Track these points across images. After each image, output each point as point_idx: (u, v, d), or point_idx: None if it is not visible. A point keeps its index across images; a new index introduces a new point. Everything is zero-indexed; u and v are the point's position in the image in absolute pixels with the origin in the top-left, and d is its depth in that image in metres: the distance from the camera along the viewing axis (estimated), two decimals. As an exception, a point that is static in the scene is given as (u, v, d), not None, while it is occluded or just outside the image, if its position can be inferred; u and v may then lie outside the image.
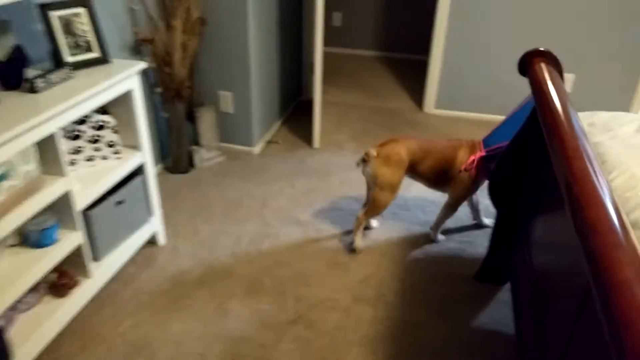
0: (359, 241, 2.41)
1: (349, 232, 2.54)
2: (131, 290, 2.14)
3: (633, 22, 3.31)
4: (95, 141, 1.97)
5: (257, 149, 3.29)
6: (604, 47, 3.44)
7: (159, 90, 2.75)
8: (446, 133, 3.62)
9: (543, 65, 1.70)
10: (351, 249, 2.41)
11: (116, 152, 2.04)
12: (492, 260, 2.18)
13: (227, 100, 3.13)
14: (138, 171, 2.16)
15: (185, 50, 2.69)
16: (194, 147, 3.08)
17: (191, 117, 3.03)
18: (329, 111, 3.89)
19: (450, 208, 2.41)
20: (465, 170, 2.27)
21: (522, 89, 3.70)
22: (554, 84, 1.55)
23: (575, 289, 1.15)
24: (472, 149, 2.30)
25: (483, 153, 2.25)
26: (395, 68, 4.97)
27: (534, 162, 1.82)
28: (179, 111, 2.84)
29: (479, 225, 2.62)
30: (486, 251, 2.21)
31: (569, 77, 3.55)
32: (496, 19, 3.53)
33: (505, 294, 2.19)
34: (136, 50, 2.56)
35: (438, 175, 2.33)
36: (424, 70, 4.63)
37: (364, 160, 2.32)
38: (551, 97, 1.46)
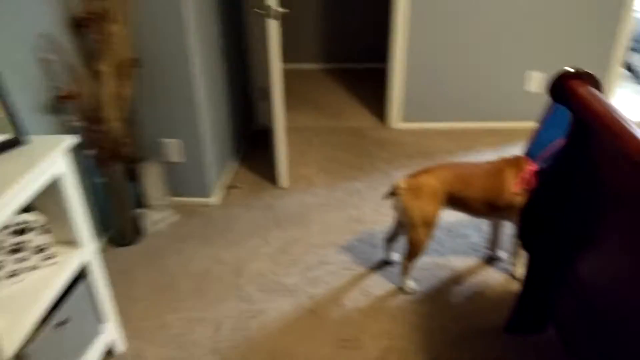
0: (412, 284, 2.18)
1: (347, 293, 2.15)
2: None
3: (599, 17, 3.16)
4: (18, 250, 1.45)
5: (215, 198, 2.82)
6: (573, 44, 3.26)
7: (91, 152, 2.22)
8: (421, 150, 3.31)
9: (588, 89, 1.40)
10: (406, 292, 2.17)
11: (48, 258, 1.53)
12: (525, 308, 1.87)
13: (174, 148, 2.64)
14: (81, 274, 1.65)
15: (119, 100, 2.18)
16: (141, 211, 2.56)
17: (133, 176, 2.51)
18: (288, 139, 3.48)
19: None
20: (522, 190, 1.98)
21: (497, 90, 3.46)
22: (617, 113, 1.24)
23: None
24: (519, 166, 2.01)
25: (535, 167, 1.97)
26: (347, 80, 4.62)
27: (577, 193, 1.51)
28: (117, 172, 2.32)
29: (491, 258, 2.32)
30: (516, 299, 1.90)
31: (539, 76, 3.35)
32: (463, 19, 3.26)
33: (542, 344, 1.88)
34: (57, 109, 2.02)
35: (488, 204, 2.03)
36: (380, 79, 4.32)
37: (393, 194, 2.02)
38: (630, 131, 1.15)
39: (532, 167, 1.97)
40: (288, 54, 4.63)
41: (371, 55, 4.79)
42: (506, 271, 2.24)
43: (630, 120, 1.24)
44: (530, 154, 2.01)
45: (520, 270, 2.18)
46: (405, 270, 2.13)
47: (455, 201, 2.03)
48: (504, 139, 3.41)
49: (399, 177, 2.88)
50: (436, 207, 1.99)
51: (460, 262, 2.31)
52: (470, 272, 2.26)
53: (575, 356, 1.57)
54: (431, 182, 1.98)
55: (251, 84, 3.59)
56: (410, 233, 2.03)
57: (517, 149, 3.23)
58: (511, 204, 2.01)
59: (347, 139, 3.52)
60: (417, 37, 3.31)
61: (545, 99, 3.42)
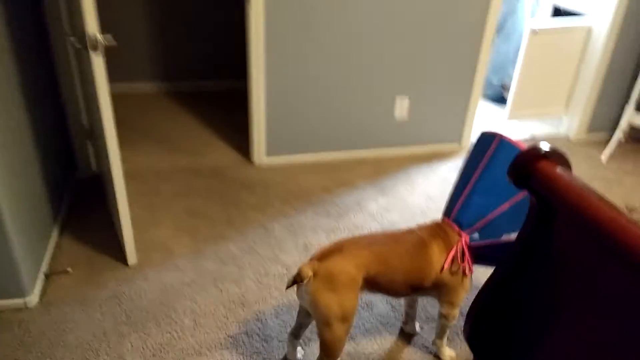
0: None
1: None
2: None
3: (459, 45, 3.05)
4: None
5: (33, 297, 1.98)
6: (435, 69, 3.11)
7: None
8: (294, 190, 2.85)
9: (559, 170, 1.08)
10: None
11: None
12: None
13: (-45, 238, 1.75)
14: None
15: None
16: None
17: None
18: (129, 189, 2.71)
19: (451, 317, 1.76)
20: (457, 270, 1.66)
21: (365, 117, 3.16)
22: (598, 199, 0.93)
23: None
24: (446, 238, 1.66)
25: (466, 239, 1.66)
26: (195, 104, 3.93)
27: (537, 287, 1.20)
28: None
29: (406, 333, 1.96)
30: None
31: (403, 102, 3.14)
32: (325, 41, 2.86)
33: None
34: None
35: (411, 286, 1.65)
36: (238, 103, 3.75)
37: (296, 282, 1.52)
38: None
39: (462, 238, 1.65)
40: (114, 71, 3.75)
41: (225, 73, 4.18)
42: (428, 350, 1.91)
43: (623, 214, 0.95)
44: (459, 221, 1.69)
45: (448, 352, 1.86)
46: None
47: (373, 285, 1.61)
48: (379, 169, 3.14)
49: (299, 256, 2.40)
50: (355, 298, 1.54)
51: (375, 345, 1.92)
52: (391, 357, 1.88)
53: None
54: (347, 268, 1.53)
55: (70, 121, 2.73)
56: (323, 332, 1.55)
57: (395, 182, 2.98)
58: (439, 283, 1.67)
59: (205, 182, 2.89)
60: (275, 59, 2.83)
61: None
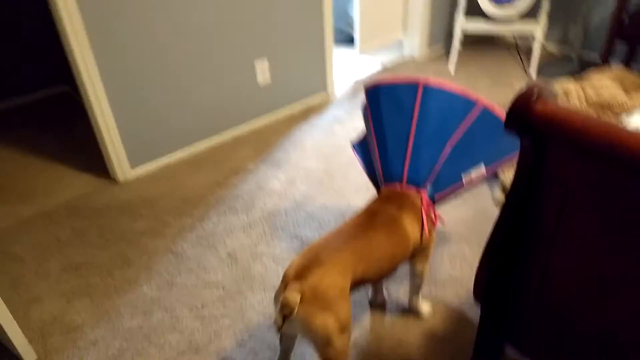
0: None
1: None
2: None
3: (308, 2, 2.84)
4: None
5: None
6: (285, 26, 2.86)
7: None
8: (183, 196, 2.46)
9: (554, 105, 1.00)
10: None
11: None
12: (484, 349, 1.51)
13: None
14: None
15: None
16: None
17: None
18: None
19: (425, 272, 1.68)
20: (430, 230, 1.58)
21: (229, 92, 2.82)
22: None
23: None
24: (409, 205, 1.53)
25: (425, 196, 1.57)
26: (15, 126, 3.12)
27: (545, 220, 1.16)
28: None
29: (379, 304, 1.85)
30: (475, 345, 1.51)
31: (263, 65, 2.87)
32: (159, 28, 2.41)
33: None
34: None
35: (397, 265, 1.52)
36: (68, 109, 3.06)
37: (287, 316, 1.24)
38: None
39: (423, 198, 1.54)
40: None
41: (39, 80, 3.37)
42: (405, 310, 1.82)
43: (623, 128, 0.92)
44: (414, 181, 1.56)
45: (425, 306, 1.80)
46: None
47: (361, 282, 1.43)
48: (261, 143, 2.87)
49: (229, 270, 2.08)
50: (349, 305, 1.34)
51: (355, 330, 1.76)
52: (377, 334, 1.75)
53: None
54: (333, 279, 1.30)
55: None
56: (326, 353, 1.33)
57: (284, 151, 2.77)
58: (417, 249, 1.56)
59: (71, 225, 2.32)
60: (107, 56, 2.31)
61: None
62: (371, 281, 1.48)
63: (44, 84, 3.47)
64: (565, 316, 1.19)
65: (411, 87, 1.59)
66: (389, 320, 1.80)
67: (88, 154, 2.80)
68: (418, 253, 1.59)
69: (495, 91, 3.24)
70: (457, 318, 1.78)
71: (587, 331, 1.15)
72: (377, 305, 1.85)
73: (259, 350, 1.71)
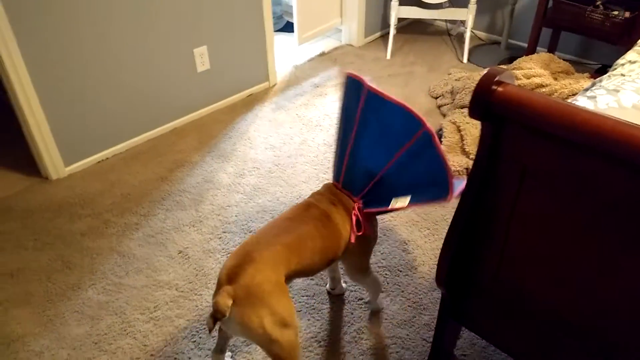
0: None
1: None
2: None
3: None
4: None
5: None
6: (222, 13, 2.76)
7: None
8: (129, 191, 2.33)
9: (512, 89, 1.04)
10: None
11: None
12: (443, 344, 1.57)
13: None
14: None
15: None
16: None
17: None
18: None
19: (369, 276, 1.67)
20: (362, 235, 1.53)
21: (168, 82, 2.70)
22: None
23: None
24: (343, 204, 1.51)
25: (359, 205, 1.52)
26: None
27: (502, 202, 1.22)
28: None
29: (337, 295, 1.86)
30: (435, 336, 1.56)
31: (203, 54, 2.77)
32: (95, 6, 2.25)
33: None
34: None
35: (329, 261, 1.50)
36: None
37: (218, 319, 1.25)
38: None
39: (356, 205, 1.51)
40: None
41: None
42: (365, 299, 1.85)
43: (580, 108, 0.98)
44: (349, 187, 1.53)
45: (385, 304, 1.82)
46: None
47: (294, 276, 1.42)
48: (205, 135, 2.78)
49: (181, 267, 2.00)
50: (287, 300, 1.33)
51: (317, 323, 1.77)
52: (337, 326, 1.76)
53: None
54: (266, 275, 1.29)
55: None
56: (271, 350, 1.33)
57: (229, 142, 2.70)
58: (348, 248, 1.53)
59: (0, 227, 2.15)
60: (35, 51, 2.13)
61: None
62: (307, 274, 1.47)
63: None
64: (521, 297, 1.26)
65: (358, 87, 1.45)
66: (348, 309, 1.82)
67: (17, 152, 2.59)
68: (349, 257, 1.57)
69: (431, 77, 3.33)
70: (414, 303, 1.84)
71: (543, 311, 1.22)
72: (336, 294, 1.87)
73: (210, 344, 1.67)
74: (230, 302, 1.23)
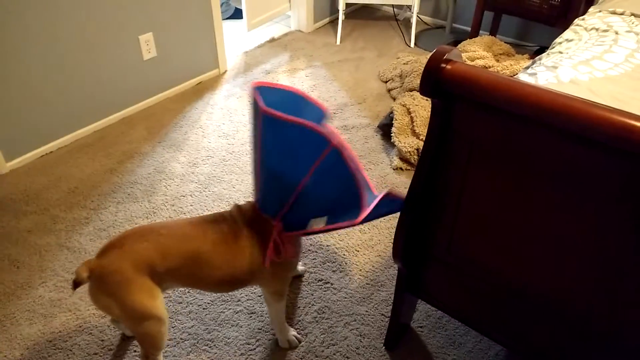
0: None
1: None
2: None
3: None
4: None
5: None
6: (174, 3, 2.70)
7: None
8: (70, 188, 2.25)
9: (458, 65, 1.09)
10: None
11: None
12: (400, 319, 1.62)
13: None
14: None
15: None
16: None
17: None
18: None
19: (280, 302, 1.55)
20: (279, 262, 1.43)
21: (105, 72, 2.60)
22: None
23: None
24: (261, 224, 1.42)
25: (279, 227, 1.40)
26: None
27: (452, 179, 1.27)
28: None
29: (297, 277, 1.88)
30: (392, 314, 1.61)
31: (149, 41, 2.69)
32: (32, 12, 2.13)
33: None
34: None
35: (229, 283, 1.43)
36: None
37: (76, 284, 1.32)
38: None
39: (275, 227, 1.39)
40: None
41: None
42: (324, 281, 1.88)
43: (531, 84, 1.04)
44: (264, 209, 1.43)
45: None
46: None
47: (174, 282, 1.39)
48: (155, 124, 2.71)
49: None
50: (138, 299, 1.31)
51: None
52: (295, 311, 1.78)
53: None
54: (122, 266, 1.29)
55: None
56: (129, 327, 1.41)
57: (180, 131, 2.65)
58: (261, 275, 1.45)
59: (-63, 229, 2.02)
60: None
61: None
62: (186, 286, 1.43)
63: None
64: (473, 267, 1.32)
65: (256, 107, 1.29)
66: (308, 290, 1.84)
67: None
68: (263, 280, 1.48)
69: (381, 62, 3.38)
70: (371, 281, 1.89)
71: (494, 279, 1.28)
72: (296, 276, 1.89)
73: (179, 340, 1.66)
74: (85, 275, 1.29)
